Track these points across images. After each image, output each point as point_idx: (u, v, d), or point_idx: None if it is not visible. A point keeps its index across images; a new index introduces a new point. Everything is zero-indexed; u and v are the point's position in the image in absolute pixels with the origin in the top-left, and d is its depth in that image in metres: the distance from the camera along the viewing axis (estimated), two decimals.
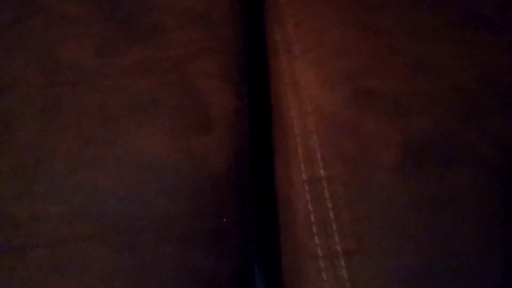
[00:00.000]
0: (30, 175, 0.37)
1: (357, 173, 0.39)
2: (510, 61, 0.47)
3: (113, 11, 0.46)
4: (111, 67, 0.42)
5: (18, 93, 0.40)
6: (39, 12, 0.46)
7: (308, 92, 0.45)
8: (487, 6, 0.50)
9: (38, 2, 0.46)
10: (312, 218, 0.39)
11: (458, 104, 0.42)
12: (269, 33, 0.53)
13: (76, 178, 0.36)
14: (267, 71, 0.52)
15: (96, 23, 0.45)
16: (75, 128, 0.39)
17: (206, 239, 0.37)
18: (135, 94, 0.41)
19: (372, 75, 0.44)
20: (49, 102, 0.40)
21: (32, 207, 0.35)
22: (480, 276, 0.35)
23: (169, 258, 0.35)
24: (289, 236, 0.41)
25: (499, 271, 0.36)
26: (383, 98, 0.43)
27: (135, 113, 0.40)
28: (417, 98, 0.43)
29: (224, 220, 0.38)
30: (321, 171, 0.40)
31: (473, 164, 0.39)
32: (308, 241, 0.38)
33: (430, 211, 0.37)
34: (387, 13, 0.50)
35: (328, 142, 0.41)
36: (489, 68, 0.45)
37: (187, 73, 0.43)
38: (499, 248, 0.36)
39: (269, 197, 0.45)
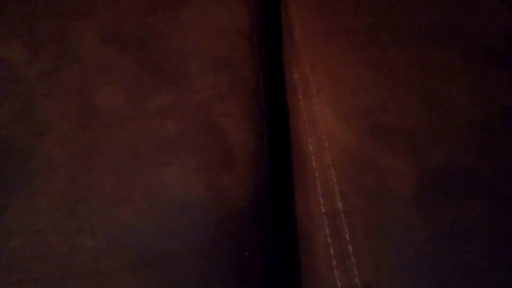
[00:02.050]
0: (68, 211, 0.39)
1: (374, 206, 0.40)
2: None
3: (142, 58, 0.49)
4: (141, 111, 0.45)
5: (56, 136, 0.43)
6: (76, 61, 0.49)
7: (325, 128, 0.46)
8: (495, 41, 0.51)
9: (76, 51, 0.50)
10: (332, 251, 0.40)
11: (472, 138, 0.43)
12: (288, 73, 0.55)
13: (109, 214, 0.39)
14: (286, 108, 0.54)
15: (128, 70, 0.48)
16: (109, 168, 0.41)
17: (229, 271, 0.38)
18: (164, 135, 0.43)
19: (387, 111, 0.45)
20: (84, 144, 0.43)
21: (70, 240, 0.38)
22: None
23: None
24: (309, 269, 0.42)
25: None
26: (398, 133, 0.44)
27: (164, 153, 0.42)
28: (431, 132, 0.44)
29: (246, 253, 0.39)
30: (339, 205, 0.41)
31: (489, 197, 0.40)
32: (327, 273, 0.39)
33: (447, 243, 0.38)
34: (399, 51, 0.51)
35: (346, 176, 0.42)
36: (501, 102, 0.46)
37: (211, 115, 0.45)
38: None
39: (289, 231, 0.46)
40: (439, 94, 0.47)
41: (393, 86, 0.48)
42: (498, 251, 0.37)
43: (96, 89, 0.47)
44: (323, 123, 0.47)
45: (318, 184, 0.44)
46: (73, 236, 0.38)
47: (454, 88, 0.47)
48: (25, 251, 0.38)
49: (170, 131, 0.44)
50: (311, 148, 0.46)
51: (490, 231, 0.38)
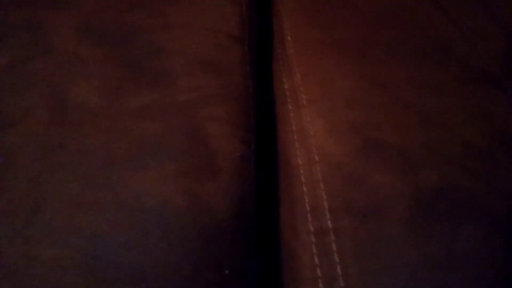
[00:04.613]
0: (27, 215, 0.35)
1: (366, 227, 0.38)
2: None
3: (124, 54, 0.46)
4: (118, 109, 0.42)
5: (22, 131, 0.40)
6: (51, 52, 0.46)
7: (315, 141, 0.44)
8: (489, 63, 0.51)
9: (50, 42, 0.47)
10: (319, 272, 0.37)
11: (467, 159, 0.42)
12: (277, 82, 0.54)
13: (74, 221, 0.35)
14: (274, 118, 0.52)
15: (107, 64, 0.45)
16: (77, 169, 0.38)
17: None
18: (141, 137, 0.40)
19: (380, 127, 0.44)
20: (52, 141, 0.39)
21: (27, 249, 0.33)
22: None
23: None
24: None
25: None
26: (392, 151, 0.42)
27: (140, 156, 0.39)
28: (425, 151, 0.42)
29: (226, 272, 0.36)
30: (329, 223, 0.39)
31: (484, 221, 0.38)
32: None
33: (441, 269, 0.36)
34: (394, 67, 0.50)
35: (336, 192, 0.41)
36: (495, 123, 0.46)
37: (194, 118, 0.43)
38: None
39: (273, 248, 0.43)
40: (433, 113, 0.46)
41: (387, 102, 0.47)
42: (495, 280, 0.36)
43: (69, 83, 0.43)
44: (314, 136, 0.45)
45: (306, 199, 0.42)
46: (30, 244, 0.34)
47: (449, 108, 0.47)
48: None
49: (148, 133, 0.40)
50: (299, 162, 0.44)
51: (487, 259, 0.37)
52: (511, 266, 0.36)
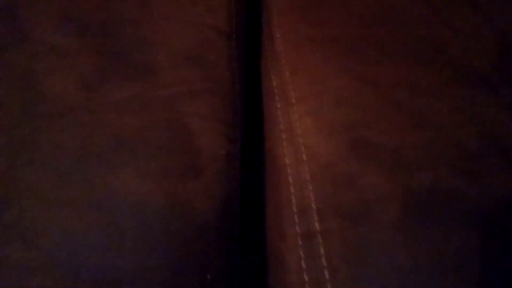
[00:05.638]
0: None
1: (355, 229, 0.37)
2: (509, 118, 0.46)
3: (105, 45, 0.45)
4: (97, 102, 0.40)
5: None
6: (26, 41, 0.44)
7: (304, 140, 0.43)
8: (482, 64, 0.51)
9: (27, 31, 0.45)
10: (306, 277, 0.36)
11: (460, 160, 0.41)
12: (266, 79, 0.53)
13: (46, 220, 0.33)
14: (261, 116, 0.51)
15: (86, 56, 0.44)
16: (51, 165, 0.36)
17: None
18: (120, 131, 0.39)
19: (371, 127, 0.43)
20: (24, 134, 0.37)
21: None
22: None
23: None
24: None
25: None
26: (382, 151, 0.41)
27: (118, 152, 0.37)
28: (417, 152, 0.41)
29: (209, 276, 0.35)
30: (316, 225, 0.38)
31: (477, 223, 0.38)
32: None
33: (433, 274, 0.35)
34: (385, 67, 0.49)
35: (324, 193, 0.40)
36: (488, 125, 0.45)
37: (177, 113, 0.41)
38: None
39: (259, 252, 0.42)
40: (426, 113, 0.45)
41: (378, 102, 0.46)
42: (488, 282, 0.35)
43: (45, 74, 0.42)
44: (302, 135, 0.44)
45: (294, 200, 0.41)
46: None
47: (441, 109, 0.46)
48: None
49: (128, 128, 0.39)
50: (287, 161, 0.43)
51: (481, 262, 0.36)
52: (504, 268, 0.36)
